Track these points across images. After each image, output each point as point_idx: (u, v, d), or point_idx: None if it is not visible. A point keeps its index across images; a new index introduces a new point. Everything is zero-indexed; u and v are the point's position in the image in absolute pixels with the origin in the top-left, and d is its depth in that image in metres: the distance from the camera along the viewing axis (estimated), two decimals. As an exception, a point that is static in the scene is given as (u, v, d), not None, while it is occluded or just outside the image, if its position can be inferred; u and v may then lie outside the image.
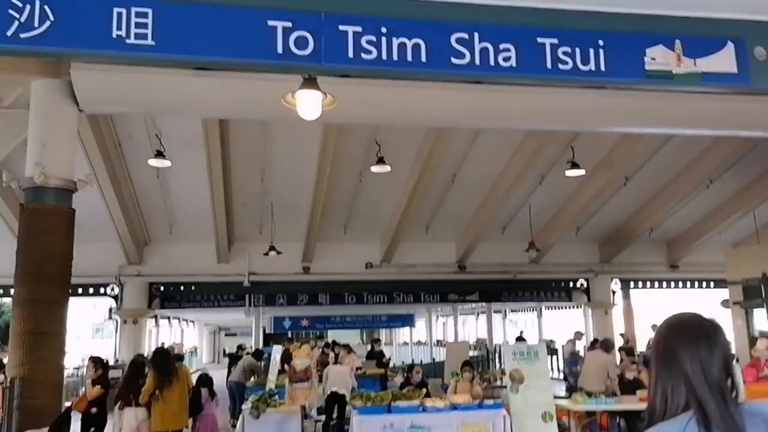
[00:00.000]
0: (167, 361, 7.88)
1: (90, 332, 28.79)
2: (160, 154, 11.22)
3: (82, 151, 11.09)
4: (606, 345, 10.92)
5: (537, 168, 13.36)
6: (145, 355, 16.25)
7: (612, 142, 13.08)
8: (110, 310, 16.05)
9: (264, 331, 23.36)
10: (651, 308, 19.37)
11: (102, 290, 15.42)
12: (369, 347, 15.26)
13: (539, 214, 15.40)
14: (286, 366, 10.85)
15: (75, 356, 26.07)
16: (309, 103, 5.82)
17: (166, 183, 13.24)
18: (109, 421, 8.06)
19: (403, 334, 35.45)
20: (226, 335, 41.23)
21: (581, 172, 12.83)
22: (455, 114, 9.21)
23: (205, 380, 9.55)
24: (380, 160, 11.91)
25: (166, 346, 14.37)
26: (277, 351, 10.31)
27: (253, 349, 13.66)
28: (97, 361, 8.52)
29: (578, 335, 14.92)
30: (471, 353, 22.03)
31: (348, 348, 11.56)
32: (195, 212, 14.22)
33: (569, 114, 9.26)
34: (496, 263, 16.78)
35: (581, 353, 14.12)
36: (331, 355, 10.92)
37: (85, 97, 7.48)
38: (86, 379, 9.83)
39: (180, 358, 11.83)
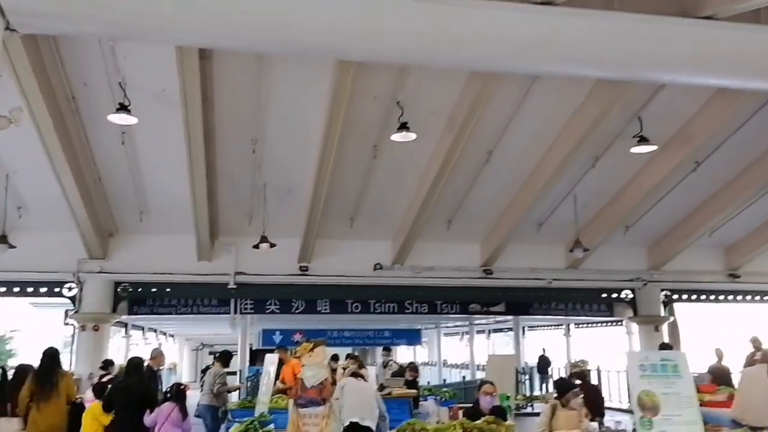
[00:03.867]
0: (50, 366, 7.29)
1: (60, 344, 25.97)
2: (123, 108, 8.64)
3: (23, 103, 8.55)
4: None
5: (592, 145, 10.86)
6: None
7: (686, 115, 10.69)
8: (66, 314, 13.29)
9: (251, 348, 20.57)
10: (701, 324, 16.90)
11: (56, 289, 12.70)
12: (383, 362, 12.55)
13: (584, 208, 12.89)
14: (280, 383, 8.23)
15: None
16: None
17: (134, 153, 10.64)
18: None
19: (400, 353, 32.51)
20: (209, 353, 38.09)
21: (652, 147, 10.40)
22: (513, 48, 6.87)
23: (177, 394, 7.40)
24: (403, 126, 9.41)
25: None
26: (271, 362, 7.66)
27: (217, 354, 10.54)
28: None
29: (719, 353, 11.57)
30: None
31: (358, 361, 8.79)
32: (171, 194, 11.62)
33: (667, 51, 6.93)
34: (527, 268, 14.23)
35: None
36: (339, 370, 8.22)
37: (14, 6, 5.28)
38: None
39: (153, 372, 9.17)
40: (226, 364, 9.90)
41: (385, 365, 12.01)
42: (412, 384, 9.81)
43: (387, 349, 12.50)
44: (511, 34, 6.79)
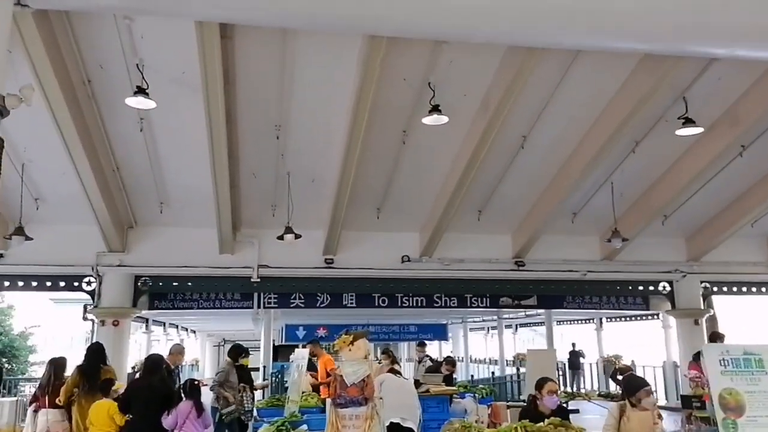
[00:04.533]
0: (95, 361, 7.40)
1: (82, 339, 25.81)
2: (141, 91, 8.21)
3: (37, 87, 8.17)
4: None
5: (633, 129, 10.24)
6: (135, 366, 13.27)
7: (733, 96, 10.03)
8: (84, 308, 12.93)
9: (273, 343, 20.15)
10: (735, 317, 16.19)
11: (75, 284, 12.34)
12: (417, 358, 11.97)
13: (622, 196, 12.26)
14: (311, 377, 7.69)
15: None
16: None
17: (152, 141, 10.22)
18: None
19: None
20: (231, 349, 38.04)
21: (698, 130, 9.77)
22: (557, 19, 6.37)
23: (191, 390, 7.15)
24: (435, 109, 8.87)
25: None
26: (301, 357, 7.14)
27: (229, 348, 9.63)
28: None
29: None
30: (523, 369, 18.92)
31: (391, 356, 8.16)
32: (191, 184, 11.21)
33: (725, 20, 6.40)
34: (560, 259, 13.63)
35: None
36: (374, 365, 7.66)
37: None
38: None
39: (169, 371, 8.75)
40: (235, 359, 9.11)
41: (419, 360, 11.46)
42: (448, 379, 9.26)
43: (421, 344, 11.91)
44: (554, 2, 6.28)
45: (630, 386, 4.98)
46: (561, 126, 10.43)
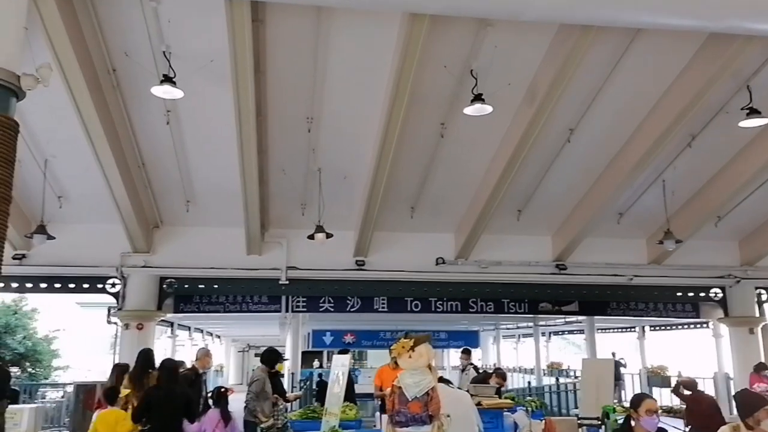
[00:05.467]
0: (144, 366, 7.32)
1: (107, 344, 25.54)
2: (168, 80, 7.73)
3: (60, 76, 7.76)
4: None
5: (690, 121, 9.50)
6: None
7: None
8: (108, 311, 12.49)
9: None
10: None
11: (99, 285, 11.91)
12: (461, 366, 11.19)
13: (673, 195, 11.49)
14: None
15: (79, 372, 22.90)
16: None
17: (179, 135, 9.75)
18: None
19: (453, 356, 30.94)
20: (255, 355, 37.43)
21: (763, 121, 9.01)
22: None
23: (217, 398, 7.17)
24: (477, 98, 8.25)
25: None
26: (340, 364, 6.46)
27: (264, 353, 8.37)
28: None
29: None
30: (565, 380, 18.07)
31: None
32: (218, 181, 10.74)
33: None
34: (604, 263, 12.87)
35: None
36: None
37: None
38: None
39: (197, 375, 8.26)
40: (271, 366, 7.94)
41: (463, 369, 10.73)
42: (497, 393, 8.53)
43: (466, 352, 11.08)
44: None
45: (747, 405, 4.22)
46: (612, 118, 9.75)
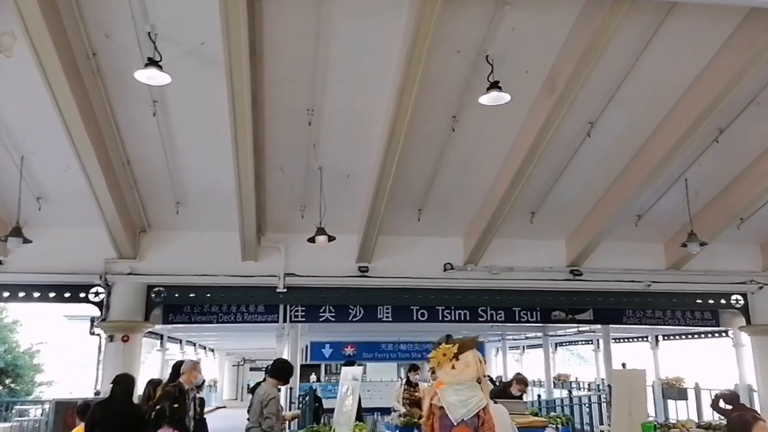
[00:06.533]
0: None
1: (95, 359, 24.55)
2: (153, 63, 6.95)
3: (35, 62, 7.00)
4: None
5: (720, 113, 8.78)
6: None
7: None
8: (91, 322, 11.62)
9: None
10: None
11: (82, 294, 11.05)
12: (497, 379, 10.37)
13: (697, 195, 10.77)
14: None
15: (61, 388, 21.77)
16: None
17: (167, 128, 8.97)
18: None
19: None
20: (251, 369, 36.34)
21: (802, 110, 8.31)
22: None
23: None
24: (494, 86, 7.52)
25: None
26: (350, 378, 5.64)
27: (273, 365, 7.29)
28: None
29: None
30: (578, 392, 17.30)
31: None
32: (211, 179, 9.96)
33: None
34: (621, 268, 12.13)
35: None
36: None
37: None
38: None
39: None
40: (284, 381, 7.01)
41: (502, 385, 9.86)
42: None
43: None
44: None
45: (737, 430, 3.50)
46: (636, 109, 9.05)
